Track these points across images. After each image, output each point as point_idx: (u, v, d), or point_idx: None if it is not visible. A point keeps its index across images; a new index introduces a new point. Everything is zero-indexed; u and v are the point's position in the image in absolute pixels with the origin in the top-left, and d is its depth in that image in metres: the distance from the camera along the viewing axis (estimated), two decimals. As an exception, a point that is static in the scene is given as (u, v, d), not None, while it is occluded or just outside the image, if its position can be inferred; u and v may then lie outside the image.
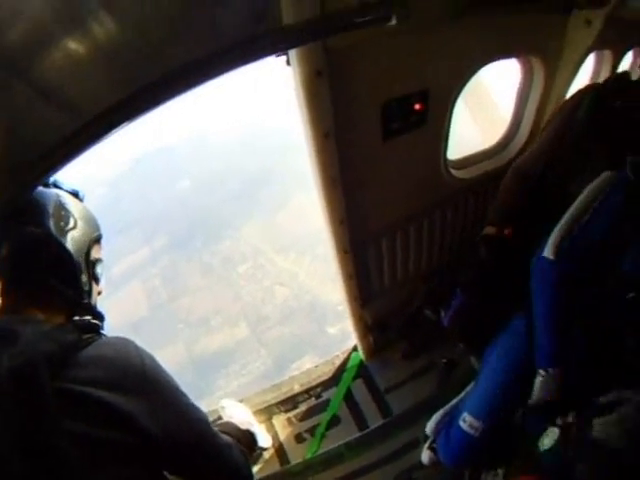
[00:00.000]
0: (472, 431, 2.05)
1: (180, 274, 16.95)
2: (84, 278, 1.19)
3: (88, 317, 1.15)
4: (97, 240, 1.29)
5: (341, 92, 1.68)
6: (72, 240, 1.18)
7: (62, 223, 1.16)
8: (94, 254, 1.27)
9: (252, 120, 18.16)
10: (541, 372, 1.86)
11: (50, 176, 1.24)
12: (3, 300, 1.12)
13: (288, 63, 1.60)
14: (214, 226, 17.17)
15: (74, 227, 1.20)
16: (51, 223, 1.11)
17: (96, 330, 1.15)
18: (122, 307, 13.72)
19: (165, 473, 1.19)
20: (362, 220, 2.23)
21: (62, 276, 1.15)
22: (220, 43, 1.21)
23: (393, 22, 1.43)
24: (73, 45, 1.02)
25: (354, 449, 2.66)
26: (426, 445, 2.44)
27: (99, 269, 1.29)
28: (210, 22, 1.20)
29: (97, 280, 1.29)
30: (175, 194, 17.95)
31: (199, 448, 1.15)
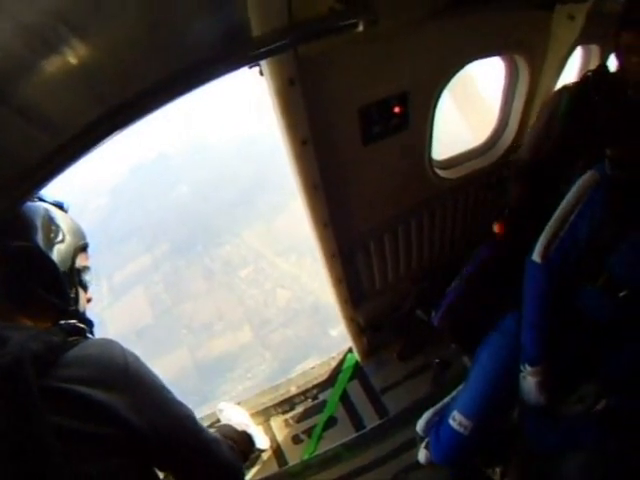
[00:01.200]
0: (461, 429, 2.05)
1: (182, 280, 17.00)
2: (70, 287, 1.22)
3: (74, 321, 1.18)
4: (83, 249, 1.31)
5: (316, 99, 1.67)
6: (58, 252, 1.20)
7: (51, 235, 1.20)
8: (80, 262, 1.28)
9: (247, 126, 18.21)
10: (522, 368, 1.89)
11: (36, 192, 1.27)
12: None
13: (261, 73, 1.61)
14: (214, 231, 17.20)
15: (62, 240, 1.23)
16: (39, 237, 1.16)
17: (82, 333, 1.18)
18: (126, 314, 13.76)
19: (155, 470, 1.22)
20: (348, 223, 2.22)
21: (49, 286, 1.17)
22: (191, 59, 1.23)
23: (360, 28, 1.42)
24: (48, 69, 1.06)
25: (351, 449, 2.64)
26: (422, 444, 2.44)
27: (86, 277, 1.31)
28: (180, 41, 1.20)
29: (85, 287, 1.30)
30: (174, 201, 18.02)
31: (186, 443, 1.16)
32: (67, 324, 1.15)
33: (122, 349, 1.09)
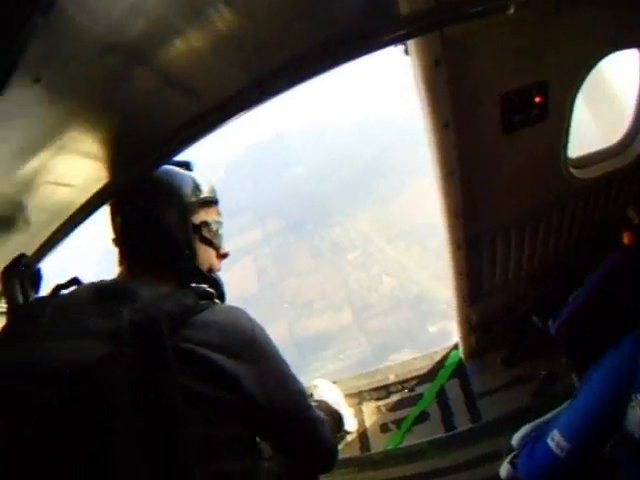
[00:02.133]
0: (558, 451, 1.89)
1: (290, 256, 17.64)
2: (187, 245, 1.24)
3: (204, 285, 1.20)
4: (202, 204, 1.32)
5: (460, 82, 1.63)
6: (169, 215, 1.24)
7: (162, 200, 1.23)
8: (201, 218, 1.29)
9: (365, 109, 18.22)
10: (632, 397, 1.68)
11: (174, 156, 1.32)
12: (120, 266, 1.23)
13: (406, 52, 1.59)
14: (326, 212, 17.57)
15: (172, 201, 1.25)
16: (151, 202, 1.18)
17: (211, 298, 1.21)
18: (233, 283, 14.68)
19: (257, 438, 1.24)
20: (478, 214, 2.14)
21: (164, 248, 1.21)
22: (337, 34, 1.20)
23: (511, 11, 1.33)
24: (194, 35, 1.09)
25: (436, 448, 2.57)
26: (507, 459, 2.31)
27: (208, 232, 1.31)
28: (326, 13, 1.20)
29: (209, 242, 1.31)
30: (288, 180, 18.64)
31: (295, 418, 1.16)
32: (198, 287, 1.18)
33: (250, 319, 1.10)
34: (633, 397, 1.62)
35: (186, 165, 1.34)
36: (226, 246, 1.34)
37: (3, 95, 0.82)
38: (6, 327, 0.99)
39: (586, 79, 1.91)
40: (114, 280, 1.14)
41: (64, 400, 0.83)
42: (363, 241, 15.54)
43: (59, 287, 1.10)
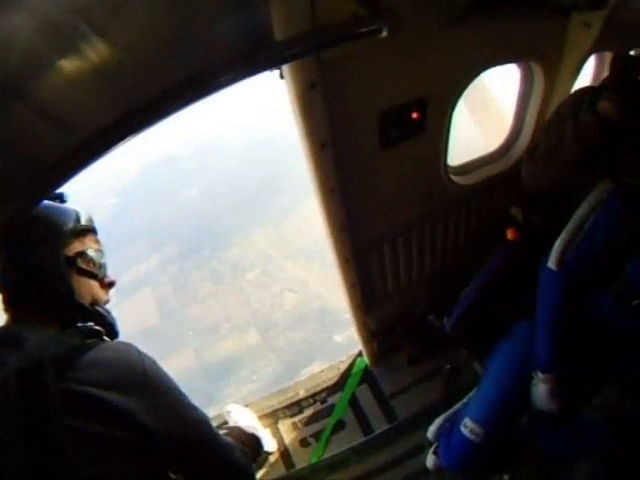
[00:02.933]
0: (473, 436, 2.06)
1: (190, 282, 17.02)
2: (60, 281, 1.20)
3: (91, 323, 1.18)
4: (76, 234, 1.27)
5: (336, 103, 1.67)
6: (40, 252, 1.19)
7: (33, 243, 1.19)
8: (76, 249, 1.25)
9: (255, 128, 18.27)
10: (533, 375, 1.88)
11: (52, 192, 1.27)
12: (6, 312, 1.17)
13: (281, 77, 1.62)
14: (222, 234, 17.20)
15: (41, 237, 1.21)
16: (22, 242, 1.15)
17: (99, 335, 1.18)
18: (133, 315, 13.77)
19: (169, 474, 1.22)
20: (363, 227, 2.23)
21: (40, 288, 1.17)
22: (213, 62, 1.22)
23: (384, 34, 1.43)
24: (67, 68, 1.05)
25: (359, 454, 2.64)
26: (431, 450, 2.44)
27: (85, 263, 1.26)
28: (201, 43, 1.20)
29: (88, 273, 1.27)
30: (183, 203, 17.98)
31: (200, 448, 1.16)
32: (84, 326, 1.15)
33: (139, 353, 1.09)
34: (534, 375, 1.82)
35: (59, 197, 1.29)
36: (112, 275, 1.30)
37: None
38: None
39: (463, 93, 2.07)
40: (1, 327, 1.10)
41: None
42: (262, 260, 15.40)
43: None
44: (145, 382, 1.04)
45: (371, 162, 1.95)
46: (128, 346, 1.09)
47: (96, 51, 1.04)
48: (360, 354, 2.98)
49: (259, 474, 2.54)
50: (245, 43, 1.27)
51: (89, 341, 1.06)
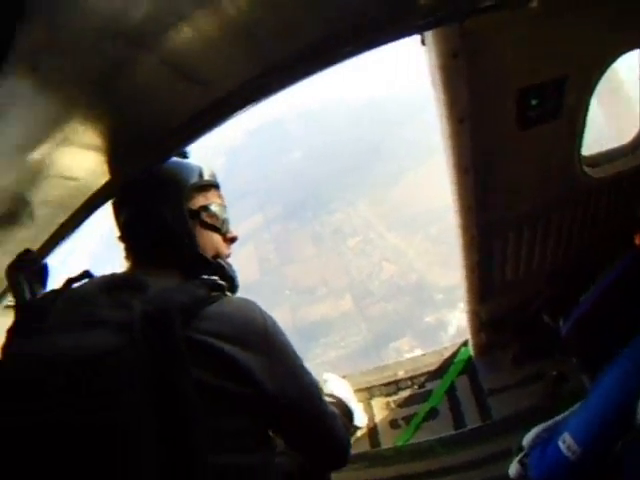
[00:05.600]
0: (569, 453, 1.99)
1: (291, 242, 17.63)
2: (185, 233, 1.18)
3: (215, 277, 1.15)
4: (200, 188, 1.25)
5: (477, 76, 1.53)
6: (165, 205, 1.18)
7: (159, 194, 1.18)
8: (200, 203, 1.22)
9: (363, 93, 18.07)
10: None
11: (182, 149, 1.25)
12: (127, 260, 1.19)
13: (423, 43, 1.51)
14: (326, 198, 17.43)
15: (167, 190, 1.20)
16: (147, 195, 1.12)
17: (222, 290, 1.16)
18: (236, 269, 14.65)
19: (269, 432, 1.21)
20: (490, 210, 2.07)
21: (164, 239, 1.16)
22: (352, 24, 1.12)
23: (534, 4, 1.25)
24: (204, 22, 0.98)
25: (445, 446, 2.52)
26: (517, 458, 2.32)
27: (208, 217, 1.24)
28: (342, 2, 1.13)
29: (211, 227, 1.24)
30: (288, 165, 18.48)
31: (307, 410, 1.11)
32: (209, 279, 1.13)
33: (261, 311, 1.05)
34: None
35: (182, 153, 1.27)
36: (234, 230, 1.28)
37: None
38: (18, 321, 0.95)
39: (603, 75, 1.87)
40: (124, 272, 1.10)
41: (76, 389, 0.81)
42: (364, 227, 15.52)
43: (71, 280, 1.06)
44: (265, 340, 1.00)
45: (506, 142, 1.79)
46: (251, 303, 1.06)
47: (233, 3, 0.95)
48: (465, 343, 2.81)
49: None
50: (388, 6, 1.14)
51: (214, 294, 1.04)
